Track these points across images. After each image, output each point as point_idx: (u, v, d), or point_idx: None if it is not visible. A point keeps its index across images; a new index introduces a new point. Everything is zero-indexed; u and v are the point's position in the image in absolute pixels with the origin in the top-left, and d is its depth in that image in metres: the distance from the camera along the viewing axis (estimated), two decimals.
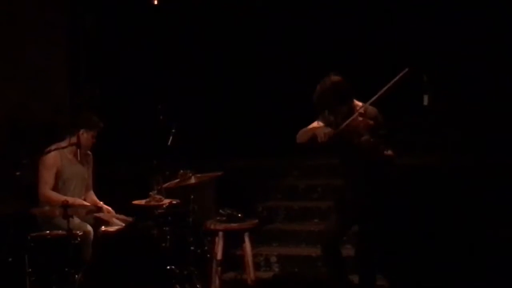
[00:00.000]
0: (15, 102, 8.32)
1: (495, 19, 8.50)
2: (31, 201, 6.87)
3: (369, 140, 5.59)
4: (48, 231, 6.26)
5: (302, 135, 5.82)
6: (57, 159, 6.59)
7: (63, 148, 6.57)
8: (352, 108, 5.71)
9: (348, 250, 6.61)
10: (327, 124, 5.76)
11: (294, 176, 8.59)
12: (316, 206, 7.89)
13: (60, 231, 6.18)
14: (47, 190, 6.54)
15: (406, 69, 5.54)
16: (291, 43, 9.38)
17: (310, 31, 9.33)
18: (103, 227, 6.45)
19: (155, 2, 9.04)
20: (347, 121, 5.61)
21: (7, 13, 8.33)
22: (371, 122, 5.60)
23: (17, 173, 6.41)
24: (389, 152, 5.70)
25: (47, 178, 6.54)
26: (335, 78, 5.70)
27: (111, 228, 6.45)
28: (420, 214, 7.20)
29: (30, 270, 6.06)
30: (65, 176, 6.60)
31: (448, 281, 6.72)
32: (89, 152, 6.86)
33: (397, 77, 5.55)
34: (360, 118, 5.60)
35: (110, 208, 6.72)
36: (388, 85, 5.56)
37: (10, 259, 6.34)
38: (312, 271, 7.12)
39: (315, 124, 5.88)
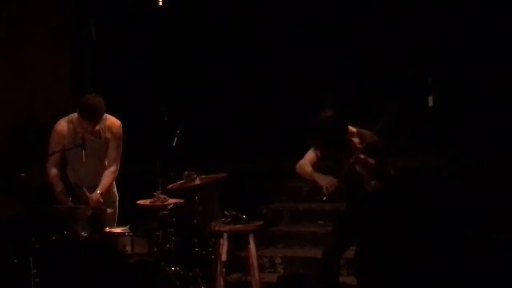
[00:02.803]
0: (19, 105, 8.33)
1: (500, 18, 8.50)
2: (36, 202, 6.89)
3: (377, 185, 5.62)
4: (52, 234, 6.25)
5: (302, 173, 5.96)
6: (65, 129, 6.51)
7: (75, 119, 6.49)
8: (348, 140, 5.72)
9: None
10: (324, 153, 5.78)
11: (299, 177, 8.55)
12: (321, 207, 7.87)
13: (65, 233, 6.18)
14: (49, 164, 6.50)
15: (399, 103, 5.58)
16: (294, 44, 9.37)
17: (314, 31, 9.32)
18: (107, 228, 6.45)
19: (160, 4, 9.04)
20: (349, 163, 5.63)
21: (10, 17, 8.34)
22: (372, 161, 5.61)
23: (22, 175, 6.40)
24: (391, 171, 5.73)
25: (51, 149, 6.48)
26: (327, 113, 5.72)
27: (116, 229, 6.45)
28: (417, 217, 7.20)
29: (34, 271, 6.05)
30: (73, 145, 6.44)
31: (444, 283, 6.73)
32: (115, 122, 6.60)
33: (390, 113, 5.58)
34: (362, 156, 5.62)
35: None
36: (383, 120, 5.59)
37: (15, 261, 6.34)
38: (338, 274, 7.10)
39: (311, 153, 5.93)
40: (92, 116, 6.39)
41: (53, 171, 6.52)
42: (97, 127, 6.51)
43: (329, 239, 6.03)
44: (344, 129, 5.72)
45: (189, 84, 9.37)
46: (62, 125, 6.56)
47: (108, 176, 6.59)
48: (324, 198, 5.79)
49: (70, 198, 6.36)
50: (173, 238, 6.49)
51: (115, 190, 6.75)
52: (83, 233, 6.17)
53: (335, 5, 9.23)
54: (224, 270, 6.82)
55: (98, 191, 6.46)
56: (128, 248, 6.22)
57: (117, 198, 6.77)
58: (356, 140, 5.76)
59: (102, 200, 6.44)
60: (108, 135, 6.59)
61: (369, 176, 5.68)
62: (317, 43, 9.23)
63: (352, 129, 5.82)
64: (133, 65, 9.13)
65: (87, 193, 6.43)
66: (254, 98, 9.27)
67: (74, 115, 6.56)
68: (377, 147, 5.74)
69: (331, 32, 9.20)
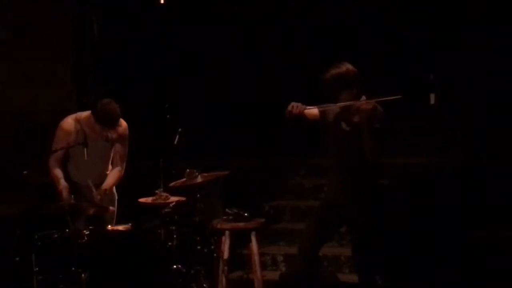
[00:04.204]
0: (22, 104, 8.35)
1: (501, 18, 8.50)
2: (38, 200, 6.90)
3: (367, 109, 5.53)
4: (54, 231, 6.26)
5: (292, 110, 5.78)
6: (72, 127, 6.49)
7: (82, 118, 6.48)
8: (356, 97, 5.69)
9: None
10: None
11: (301, 175, 8.58)
12: None
13: (67, 230, 6.19)
14: (51, 161, 6.50)
15: (399, 96, 5.53)
16: (295, 42, 9.38)
17: (315, 28, 9.33)
18: (109, 226, 6.46)
19: (162, 2, 9.04)
20: (348, 103, 5.59)
21: (13, 16, 8.36)
22: (371, 105, 5.54)
23: (24, 173, 6.41)
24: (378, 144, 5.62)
25: (56, 146, 6.46)
26: (348, 65, 5.70)
27: (118, 227, 6.45)
28: (420, 214, 7.21)
29: (37, 269, 6.06)
30: (76, 147, 6.40)
31: (447, 280, 6.74)
32: (122, 122, 6.55)
33: (389, 98, 5.53)
34: (363, 102, 5.57)
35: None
36: (379, 99, 5.55)
37: (17, 259, 6.35)
38: (319, 270, 7.11)
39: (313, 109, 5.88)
40: (110, 123, 6.36)
41: (56, 168, 6.51)
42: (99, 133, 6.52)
43: (308, 234, 6.00)
44: (357, 82, 5.65)
45: (192, 82, 9.37)
46: (69, 122, 6.53)
47: (114, 175, 6.61)
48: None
49: (73, 196, 6.37)
50: (175, 236, 6.50)
51: (114, 189, 6.76)
52: (85, 231, 6.19)
53: (336, 3, 9.24)
54: (226, 268, 6.82)
55: (102, 188, 6.47)
56: None
57: (116, 197, 6.78)
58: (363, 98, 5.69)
59: (105, 197, 6.46)
60: (114, 135, 6.55)
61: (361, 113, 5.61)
62: (317, 41, 9.24)
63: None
64: (136, 63, 9.14)
65: (93, 189, 6.43)
66: (256, 96, 9.28)
67: (82, 114, 6.54)
68: (379, 117, 5.65)
69: (332, 30, 9.21)
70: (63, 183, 6.44)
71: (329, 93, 5.70)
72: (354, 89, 5.65)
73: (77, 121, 6.51)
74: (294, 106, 5.65)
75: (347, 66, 5.70)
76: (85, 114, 6.49)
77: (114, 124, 6.40)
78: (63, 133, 6.50)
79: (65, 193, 6.40)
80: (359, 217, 5.68)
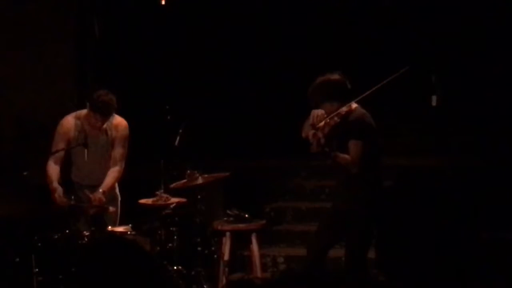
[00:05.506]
0: (22, 103, 8.34)
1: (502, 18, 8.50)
2: (38, 201, 6.89)
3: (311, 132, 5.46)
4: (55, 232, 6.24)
5: (303, 129, 5.73)
6: (71, 125, 6.50)
7: (82, 116, 6.48)
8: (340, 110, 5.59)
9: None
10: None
11: (302, 176, 8.57)
12: (324, 207, 7.81)
13: (67, 231, 6.17)
14: (50, 160, 6.46)
15: (407, 67, 5.47)
16: (297, 43, 9.37)
17: (316, 30, 9.32)
18: (109, 227, 6.45)
19: (163, 2, 9.03)
20: (325, 119, 5.51)
21: (14, 15, 8.35)
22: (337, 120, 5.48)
23: (25, 173, 6.40)
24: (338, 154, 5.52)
25: (55, 146, 6.45)
26: (333, 75, 5.62)
27: (118, 228, 6.44)
28: (422, 215, 7.20)
29: (37, 270, 6.05)
30: (76, 143, 6.42)
31: (448, 282, 6.73)
32: (122, 121, 6.59)
33: (396, 74, 5.48)
34: (336, 119, 5.50)
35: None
36: (385, 81, 5.49)
37: (17, 259, 6.34)
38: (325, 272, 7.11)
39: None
40: (104, 110, 6.35)
41: (53, 168, 6.46)
42: (104, 126, 6.50)
43: (317, 237, 5.98)
44: (340, 93, 5.55)
45: (192, 83, 9.36)
46: (69, 120, 6.55)
47: (112, 175, 6.57)
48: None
49: (73, 197, 6.36)
50: (175, 237, 6.49)
51: (117, 190, 6.75)
52: (85, 232, 6.18)
53: (337, 3, 9.23)
54: (226, 269, 6.83)
55: (101, 190, 6.43)
56: None
57: (119, 198, 6.76)
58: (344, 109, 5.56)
59: (104, 199, 6.42)
60: (114, 134, 6.57)
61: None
62: (319, 42, 9.23)
63: (354, 105, 5.64)
64: (136, 63, 9.13)
65: (89, 194, 6.40)
66: (257, 97, 9.27)
67: (82, 112, 6.55)
68: (354, 123, 5.59)
69: (333, 31, 9.20)
70: (55, 185, 6.39)
71: (312, 105, 5.65)
72: (334, 102, 5.58)
73: (77, 118, 6.53)
74: (314, 117, 5.53)
75: (328, 76, 5.62)
76: (85, 111, 6.50)
77: (109, 112, 6.39)
78: (63, 131, 6.51)
79: (57, 195, 6.34)
80: (357, 219, 5.68)
